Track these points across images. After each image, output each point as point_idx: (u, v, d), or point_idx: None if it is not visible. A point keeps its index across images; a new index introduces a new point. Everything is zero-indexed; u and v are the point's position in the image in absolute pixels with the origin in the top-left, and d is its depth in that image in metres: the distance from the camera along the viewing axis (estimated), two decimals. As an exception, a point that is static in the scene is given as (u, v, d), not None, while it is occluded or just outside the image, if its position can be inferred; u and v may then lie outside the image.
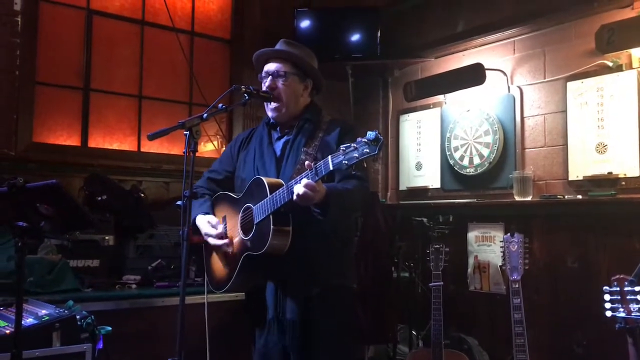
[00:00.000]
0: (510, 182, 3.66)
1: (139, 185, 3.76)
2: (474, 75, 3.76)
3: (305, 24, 4.39)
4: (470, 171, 3.94)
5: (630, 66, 3.19)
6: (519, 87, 3.76)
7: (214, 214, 2.42)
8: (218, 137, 4.42)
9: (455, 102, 4.11)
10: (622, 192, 3.17)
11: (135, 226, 3.35)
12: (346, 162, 1.86)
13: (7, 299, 2.45)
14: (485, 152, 3.85)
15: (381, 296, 3.72)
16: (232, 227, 2.36)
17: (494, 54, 3.93)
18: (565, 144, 3.46)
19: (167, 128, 2.10)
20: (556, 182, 3.52)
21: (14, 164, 3.41)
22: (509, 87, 3.80)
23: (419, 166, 4.38)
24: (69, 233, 2.98)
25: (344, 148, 1.88)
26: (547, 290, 3.47)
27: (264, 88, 2.38)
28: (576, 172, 3.39)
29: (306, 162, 2.03)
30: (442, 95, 4.18)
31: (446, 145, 4.11)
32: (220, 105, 2.24)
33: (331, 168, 1.93)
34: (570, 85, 3.45)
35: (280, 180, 2.20)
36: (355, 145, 1.86)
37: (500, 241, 3.23)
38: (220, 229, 2.34)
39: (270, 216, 2.12)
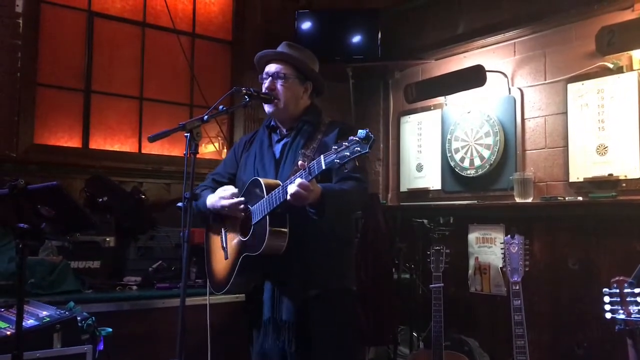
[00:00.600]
0: (510, 184, 3.66)
1: (140, 186, 3.76)
2: (474, 77, 3.76)
3: (306, 25, 4.39)
4: (471, 173, 3.94)
5: (630, 68, 3.19)
6: (519, 88, 3.77)
7: None
8: (219, 138, 4.43)
9: (456, 103, 4.11)
10: (623, 193, 3.17)
11: (136, 227, 3.35)
12: (338, 160, 1.88)
13: (8, 300, 2.45)
14: (486, 153, 3.85)
15: (382, 298, 3.72)
16: (231, 228, 2.37)
17: (494, 55, 3.94)
18: (566, 146, 3.46)
19: (167, 130, 2.11)
20: (557, 183, 3.52)
21: (15, 165, 3.42)
22: (509, 89, 3.80)
23: (419, 168, 4.38)
24: (69, 234, 2.99)
25: (335, 147, 1.90)
26: (547, 292, 3.47)
27: (263, 89, 2.39)
28: (577, 174, 3.39)
29: (299, 162, 2.04)
30: (443, 97, 4.18)
31: (447, 147, 4.11)
32: (221, 107, 2.25)
33: (324, 167, 1.94)
34: (571, 87, 3.45)
35: (278, 181, 2.21)
36: (346, 143, 1.87)
37: (501, 243, 3.23)
38: (232, 189, 2.34)
39: (267, 217, 2.13)
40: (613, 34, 3.11)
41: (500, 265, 3.54)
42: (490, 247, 3.78)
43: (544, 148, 3.62)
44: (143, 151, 4.09)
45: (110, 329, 2.37)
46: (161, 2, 4.15)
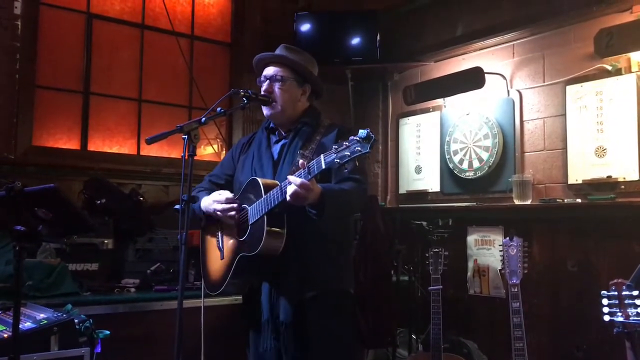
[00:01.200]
0: (509, 186, 3.66)
1: (139, 188, 3.75)
2: (473, 79, 3.77)
3: (305, 27, 4.39)
4: (470, 175, 3.94)
5: (629, 70, 3.19)
6: (518, 90, 3.77)
7: None
8: (218, 140, 4.42)
9: (455, 105, 4.11)
10: (622, 195, 3.17)
11: (135, 230, 3.35)
12: (338, 160, 1.86)
13: (6, 302, 2.44)
14: (485, 155, 3.85)
15: (380, 300, 3.71)
16: (228, 228, 2.37)
17: (493, 57, 3.94)
18: (565, 148, 3.46)
19: (165, 132, 2.10)
20: (556, 185, 3.52)
21: (14, 167, 3.41)
22: (508, 91, 3.80)
23: (418, 170, 4.38)
24: (67, 237, 2.98)
25: (336, 147, 1.89)
26: (546, 294, 3.47)
27: (261, 92, 2.39)
28: (575, 176, 3.39)
29: (300, 161, 2.03)
30: (442, 99, 4.18)
31: (446, 149, 4.11)
32: (219, 109, 2.24)
33: (324, 166, 1.93)
34: (570, 89, 3.45)
35: (276, 181, 2.21)
36: (347, 143, 1.86)
37: (500, 245, 3.23)
38: (227, 194, 2.33)
39: (265, 217, 2.12)
40: (612, 36, 3.12)
41: (499, 268, 3.53)
42: (489, 249, 3.78)
43: (542, 150, 3.62)
44: (142, 153, 4.09)
45: (108, 332, 2.36)
46: (160, 4, 4.15)
